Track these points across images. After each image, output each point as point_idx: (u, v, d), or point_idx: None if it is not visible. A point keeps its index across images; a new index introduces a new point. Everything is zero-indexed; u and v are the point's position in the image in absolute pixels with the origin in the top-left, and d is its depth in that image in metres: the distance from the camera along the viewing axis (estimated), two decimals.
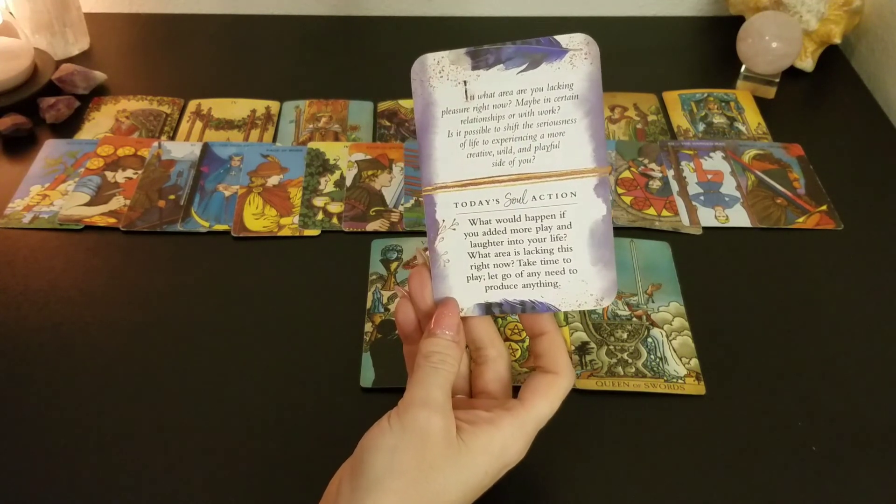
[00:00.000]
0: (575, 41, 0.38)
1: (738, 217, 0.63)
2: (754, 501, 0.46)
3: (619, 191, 0.65)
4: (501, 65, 0.39)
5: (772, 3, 0.78)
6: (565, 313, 0.55)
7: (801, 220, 0.63)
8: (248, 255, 0.60)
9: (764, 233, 0.62)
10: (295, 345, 0.54)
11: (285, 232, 0.62)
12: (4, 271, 0.58)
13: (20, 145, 0.69)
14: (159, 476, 0.46)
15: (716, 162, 0.68)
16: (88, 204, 0.63)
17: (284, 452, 0.47)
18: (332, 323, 0.55)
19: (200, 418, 0.49)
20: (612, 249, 0.40)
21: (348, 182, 0.66)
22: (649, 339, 0.54)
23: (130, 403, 0.50)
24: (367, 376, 0.51)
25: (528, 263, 0.40)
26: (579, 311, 0.55)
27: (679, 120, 0.73)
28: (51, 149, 0.69)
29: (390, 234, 0.62)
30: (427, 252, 0.41)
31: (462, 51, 0.39)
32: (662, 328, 0.54)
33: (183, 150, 0.68)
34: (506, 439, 0.38)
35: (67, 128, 0.71)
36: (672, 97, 0.76)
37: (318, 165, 0.67)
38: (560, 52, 0.38)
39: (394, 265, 0.59)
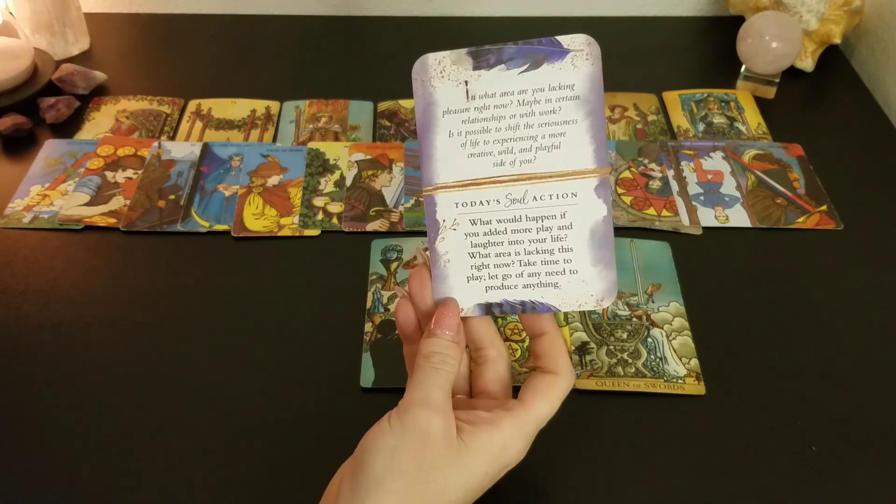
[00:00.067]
0: (576, 42, 0.38)
1: (738, 217, 0.63)
2: (754, 501, 0.46)
3: (619, 191, 0.65)
4: (503, 65, 0.39)
5: (772, 3, 0.78)
6: (565, 313, 0.55)
7: (801, 220, 0.63)
8: (248, 255, 0.60)
9: (764, 233, 0.62)
10: (295, 345, 0.54)
11: (285, 232, 0.62)
12: (4, 271, 0.58)
13: (20, 145, 0.69)
14: (159, 476, 0.46)
15: (716, 162, 0.68)
16: (88, 204, 0.63)
17: (284, 452, 0.47)
18: (332, 323, 0.55)
19: (200, 418, 0.49)
20: (612, 250, 0.40)
21: (348, 182, 0.66)
22: (649, 339, 0.54)
23: (130, 403, 0.50)
24: (367, 376, 0.51)
25: (529, 264, 0.40)
26: (579, 312, 0.55)
27: (679, 120, 0.73)
28: (51, 149, 0.69)
29: (390, 234, 0.62)
30: (427, 252, 0.41)
31: (463, 51, 0.39)
32: (662, 328, 0.54)
33: (183, 150, 0.68)
34: (506, 439, 0.38)
35: (67, 128, 0.71)
36: (672, 97, 0.76)
37: (318, 165, 0.67)
38: (561, 52, 0.38)
39: (394, 265, 0.59)
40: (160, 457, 0.47)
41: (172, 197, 0.64)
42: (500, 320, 0.55)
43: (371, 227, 0.62)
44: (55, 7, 0.77)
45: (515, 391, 0.41)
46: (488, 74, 0.39)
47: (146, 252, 0.60)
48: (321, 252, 0.60)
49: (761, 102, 0.75)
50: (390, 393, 0.49)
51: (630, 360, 0.52)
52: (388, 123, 0.72)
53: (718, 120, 0.73)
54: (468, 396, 0.42)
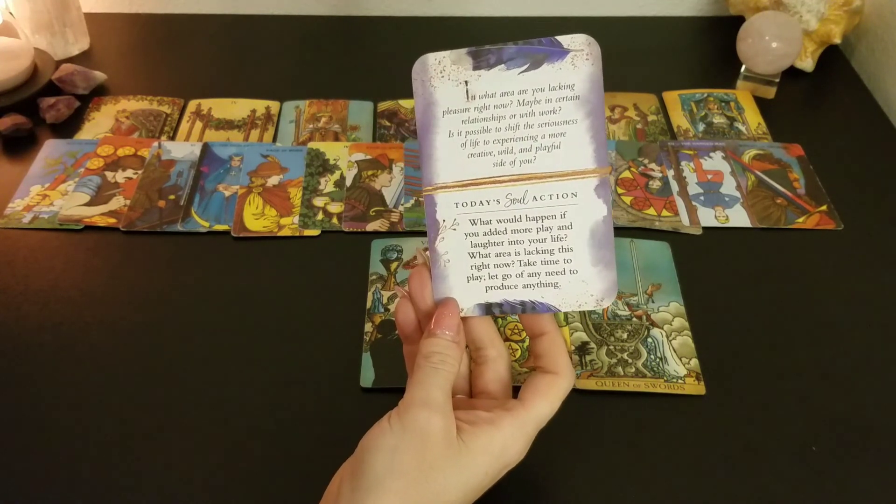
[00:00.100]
0: (576, 42, 0.38)
1: (738, 217, 0.63)
2: (754, 501, 0.46)
3: (619, 191, 0.65)
4: (503, 65, 0.39)
5: (772, 3, 0.78)
6: (565, 313, 0.55)
7: (801, 220, 0.63)
8: (248, 256, 0.60)
9: (764, 233, 0.62)
10: (295, 345, 0.54)
11: (285, 232, 0.62)
12: (4, 271, 0.58)
13: (20, 145, 0.69)
14: (159, 476, 0.46)
15: (716, 162, 0.68)
16: (88, 204, 0.63)
17: (284, 452, 0.47)
18: (332, 323, 0.55)
19: (200, 418, 0.49)
20: (612, 250, 0.40)
21: (348, 182, 0.66)
22: (649, 339, 0.54)
23: (130, 403, 0.50)
24: (367, 376, 0.51)
25: (529, 264, 0.40)
26: (579, 312, 0.55)
27: (679, 120, 0.73)
28: (51, 149, 0.69)
29: (390, 234, 0.62)
30: (427, 252, 0.41)
31: (463, 51, 0.39)
32: (662, 328, 0.54)
33: (183, 150, 0.68)
34: (506, 440, 0.38)
35: (67, 128, 0.71)
36: (672, 97, 0.76)
37: (318, 165, 0.67)
38: (561, 52, 0.38)
39: (394, 265, 0.59)
40: (160, 457, 0.47)
41: (172, 197, 0.64)
42: (500, 320, 0.55)
43: (371, 227, 0.62)
44: (55, 7, 0.77)
45: (515, 391, 0.41)
46: (488, 74, 0.39)
47: (146, 252, 0.60)
48: (321, 252, 0.60)
49: (761, 102, 0.75)
50: (390, 393, 0.49)
51: (630, 360, 0.52)
52: (388, 123, 0.72)
53: (718, 120, 0.73)
54: (468, 396, 0.42)
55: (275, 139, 0.71)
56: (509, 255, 0.40)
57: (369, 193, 0.65)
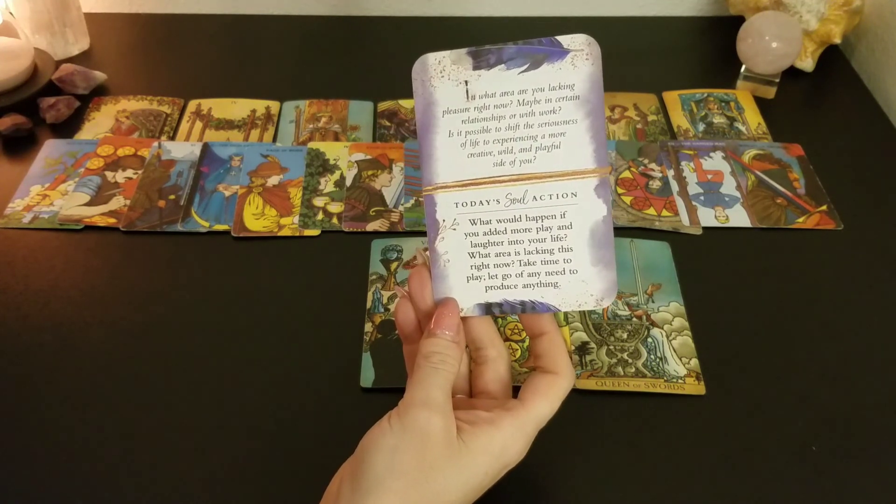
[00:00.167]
0: (576, 42, 0.38)
1: (738, 217, 0.63)
2: (754, 501, 0.46)
3: (619, 191, 0.65)
4: (503, 65, 0.39)
5: (772, 3, 0.78)
6: (565, 313, 0.55)
7: (801, 220, 0.63)
8: (248, 255, 0.60)
9: (764, 233, 0.62)
10: (295, 345, 0.54)
11: (285, 232, 0.62)
12: (4, 271, 0.58)
13: (20, 145, 0.69)
14: (159, 476, 0.46)
15: (716, 162, 0.68)
16: (88, 204, 0.63)
17: (284, 452, 0.47)
18: (332, 323, 0.55)
19: (200, 418, 0.49)
20: (612, 250, 0.40)
21: (348, 182, 0.66)
22: (649, 339, 0.54)
23: (130, 403, 0.50)
24: (367, 376, 0.51)
25: (529, 264, 0.40)
26: (579, 312, 0.55)
27: (679, 120, 0.73)
28: (51, 149, 0.69)
29: (390, 234, 0.62)
30: (427, 252, 0.41)
31: (463, 51, 0.39)
32: (662, 328, 0.54)
33: (183, 150, 0.68)
34: (506, 439, 0.38)
35: (67, 128, 0.71)
36: (672, 97, 0.76)
37: (318, 165, 0.67)
38: (561, 52, 0.38)
39: (394, 265, 0.59)
40: (160, 457, 0.47)
41: (172, 197, 0.64)
42: (500, 320, 0.55)
43: (371, 227, 0.62)
44: (55, 7, 0.77)
45: (515, 391, 0.41)
46: (488, 74, 0.39)
47: (146, 252, 0.60)
48: (321, 252, 0.60)
49: (761, 102, 0.75)
50: (390, 393, 0.49)
51: (630, 360, 0.52)
52: (388, 123, 0.72)
53: (718, 120, 0.73)
54: (468, 396, 0.42)
55: (275, 139, 0.71)
56: (509, 254, 0.40)
57: (369, 193, 0.65)
